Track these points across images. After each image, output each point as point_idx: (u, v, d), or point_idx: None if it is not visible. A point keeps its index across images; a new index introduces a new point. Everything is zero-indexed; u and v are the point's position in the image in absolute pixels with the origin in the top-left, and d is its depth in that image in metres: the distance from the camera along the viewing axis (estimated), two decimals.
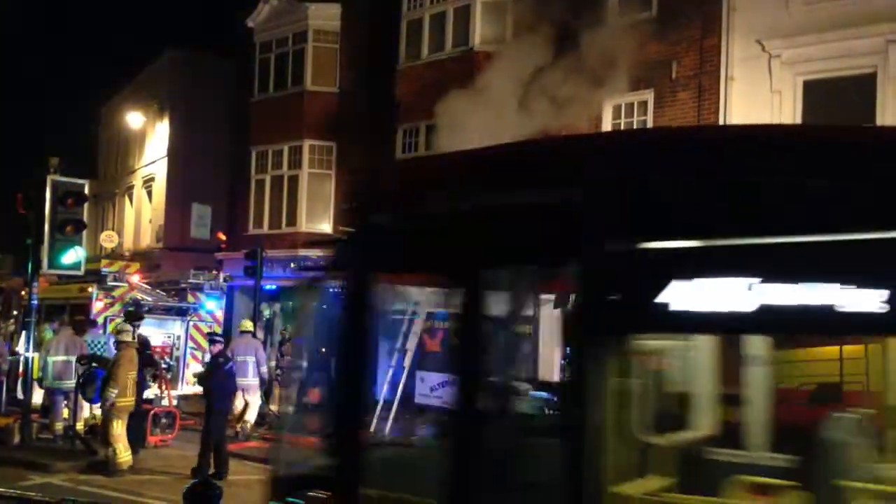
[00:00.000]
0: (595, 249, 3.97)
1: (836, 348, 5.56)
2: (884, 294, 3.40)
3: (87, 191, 14.72)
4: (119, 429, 11.81)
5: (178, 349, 17.58)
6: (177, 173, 27.55)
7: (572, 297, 4.21)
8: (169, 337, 17.64)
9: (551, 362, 9.20)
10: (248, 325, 15.79)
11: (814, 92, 13.04)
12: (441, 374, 12.81)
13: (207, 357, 14.07)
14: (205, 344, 16.08)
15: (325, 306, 5.28)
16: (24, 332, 15.19)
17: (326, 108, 20.46)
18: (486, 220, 4.33)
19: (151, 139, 29.66)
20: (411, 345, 13.15)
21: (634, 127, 15.03)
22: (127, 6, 50.07)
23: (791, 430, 5.27)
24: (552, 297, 5.49)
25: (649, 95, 14.76)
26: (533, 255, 4.26)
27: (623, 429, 5.12)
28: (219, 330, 17.07)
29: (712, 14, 14.07)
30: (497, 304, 4.45)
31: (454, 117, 12.42)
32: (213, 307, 18.30)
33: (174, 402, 15.77)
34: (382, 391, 12.33)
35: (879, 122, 12.32)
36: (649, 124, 14.76)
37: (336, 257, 5.06)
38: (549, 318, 6.20)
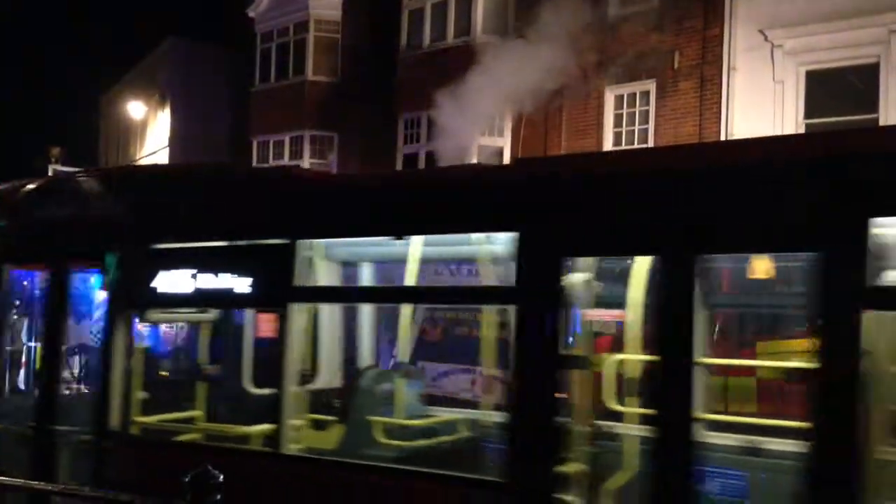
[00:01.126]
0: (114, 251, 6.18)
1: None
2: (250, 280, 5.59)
3: None
4: None
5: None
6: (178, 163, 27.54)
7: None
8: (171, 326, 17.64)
9: None
10: None
11: (816, 82, 13.02)
12: (443, 364, 12.92)
13: None
14: None
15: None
16: (26, 322, 15.19)
17: (328, 98, 20.42)
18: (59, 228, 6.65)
19: (152, 129, 29.64)
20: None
21: (637, 116, 15.05)
22: None
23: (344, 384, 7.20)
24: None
25: (651, 85, 14.73)
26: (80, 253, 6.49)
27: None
28: None
29: (715, 4, 14.03)
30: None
31: (455, 104, 12.46)
32: None
33: None
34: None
35: (882, 111, 12.31)
36: (651, 114, 14.75)
37: None
38: None
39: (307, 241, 5.57)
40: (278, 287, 5.52)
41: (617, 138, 15.23)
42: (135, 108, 28.98)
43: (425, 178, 6.54)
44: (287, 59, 21.15)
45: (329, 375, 7.26)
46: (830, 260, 3.90)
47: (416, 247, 5.73)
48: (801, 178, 4.15)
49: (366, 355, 7.39)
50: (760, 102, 13.28)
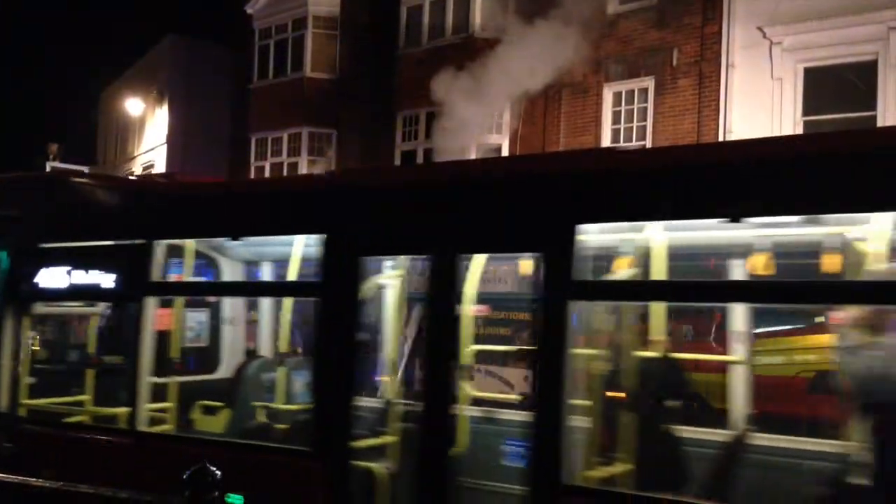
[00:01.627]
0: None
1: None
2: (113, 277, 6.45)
3: None
4: None
5: None
6: (176, 160, 27.48)
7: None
8: None
9: None
10: None
11: (815, 79, 13.02)
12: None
13: None
14: None
15: None
16: None
17: (326, 95, 20.37)
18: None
19: (150, 125, 29.59)
20: (411, 331, 13.17)
21: (635, 113, 15.04)
22: None
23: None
24: None
25: (650, 82, 14.72)
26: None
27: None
28: None
29: (714, 1, 14.02)
30: None
31: (454, 101, 12.47)
32: None
33: None
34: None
35: (880, 108, 12.31)
36: (650, 111, 14.75)
37: None
38: None
39: (163, 242, 6.32)
40: (137, 283, 6.29)
41: (615, 135, 15.22)
42: (133, 105, 28.92)
43: (253, 186, 7.20)
44: (285, 55, 21.10)
45: (230, 366, 7.85)
46: (547, 259, 4.69)
47: (297, 247, 6.21)
48: (526, 191, 4.96)
49: (265, 347, 7.88)
50: (759, 100, 13.28)
